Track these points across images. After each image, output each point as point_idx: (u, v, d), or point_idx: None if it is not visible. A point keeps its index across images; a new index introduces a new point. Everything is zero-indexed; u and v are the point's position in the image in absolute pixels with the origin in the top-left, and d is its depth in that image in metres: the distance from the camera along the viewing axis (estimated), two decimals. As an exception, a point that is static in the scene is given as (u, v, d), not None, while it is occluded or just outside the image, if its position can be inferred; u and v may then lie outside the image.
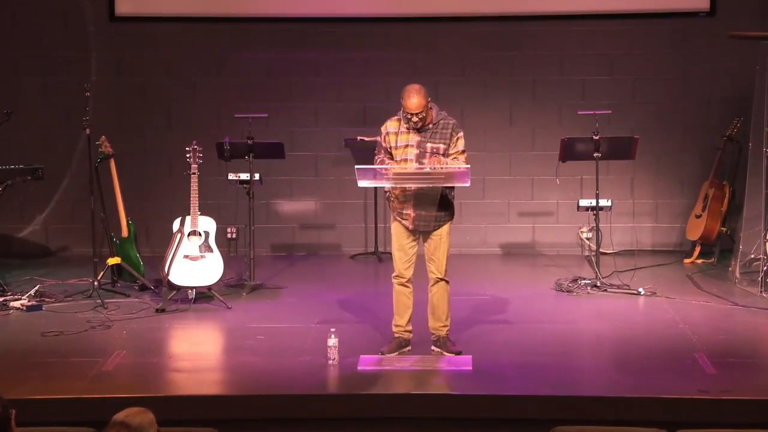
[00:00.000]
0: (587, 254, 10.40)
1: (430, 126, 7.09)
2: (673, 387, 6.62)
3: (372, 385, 6.76)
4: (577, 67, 10.65)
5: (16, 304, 8.59)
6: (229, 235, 9.83)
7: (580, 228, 10.45)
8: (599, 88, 10.60)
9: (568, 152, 9.29)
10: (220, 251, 8.78)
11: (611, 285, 9.09)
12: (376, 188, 10.39)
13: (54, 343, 7.63)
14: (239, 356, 7.45)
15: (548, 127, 10.53)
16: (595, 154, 9.13)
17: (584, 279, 9.25)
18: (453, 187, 7.19)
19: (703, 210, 10.18)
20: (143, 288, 9.09)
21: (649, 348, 7.53)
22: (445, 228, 7.19)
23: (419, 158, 7.06)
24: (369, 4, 10.73)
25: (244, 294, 9.08)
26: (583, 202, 9.44)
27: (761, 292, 8.81)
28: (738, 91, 10.14)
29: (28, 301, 8.65)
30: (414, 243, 7.22)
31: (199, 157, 8.83)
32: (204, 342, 8.13)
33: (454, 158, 7.09)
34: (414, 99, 6.97)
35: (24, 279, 9.43)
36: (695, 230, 10.25)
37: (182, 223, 8.72)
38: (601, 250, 9.46)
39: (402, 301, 7.25)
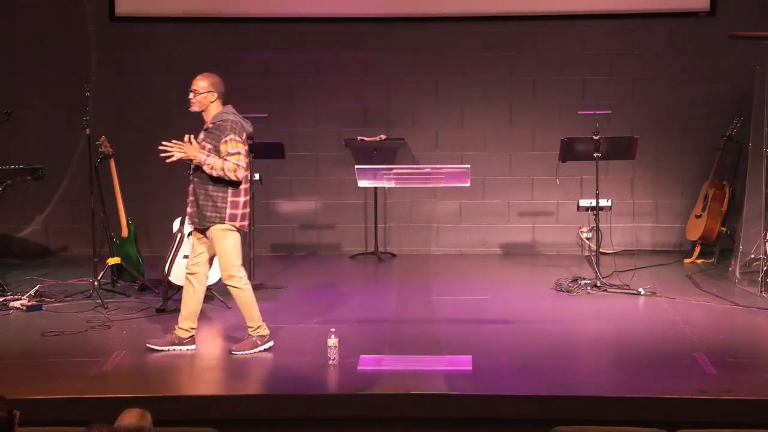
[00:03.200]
0: (587, 254, 10.40)
1: (210, 125, 7.19)
2: (673, 387, 6.63)
3: (372, 385, 6.76)
4: (577, 67, 10.65)
5: (16, 304, 8.60)
6: (229, 235, 9.82)
7: (580, 228, 10.45)
8: (599, 88, 10.60)
9: (568, 152, 9.29)
10: (220, 251, 8.77)
11: (611, 285, 9.09)
12: (376, 188, 10.40)
13: (54, 343, 7.64)
14: (239, 356, 7.46)
15: (548, 127, 10.54)
16: (595, 154, 9.14)
17: (584, 279, 9.26)
18: (227, 187, 7.14)
19: (703, 210, 10.19)
20: (143, 288, 9.10)
21: (649, 348, 7.53)
22: (215, 230, 7.16)
23: None
24: (369, 4, 10.74)
25: (244, 294, 9.07)
26: (583, 202, 9.44)
27: (761, 292, 8.81)
28: (738, 91, 10.14)
29: (28, 301, 8.66)
30: (200, 240, 7.30)
31: (199, 157, 8.83)
32: (203, 342, 8.12)
33: (225, 160, 7.10)
34: (199, 77, 7.20)
35: (24, 279, 9.44)
36: (695, 230, 10.25)
37: (182, 223, 8.73)
38: (601, 250, 9.47)
39: (185, 297, 7.38)
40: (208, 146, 7.15)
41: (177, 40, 10.73)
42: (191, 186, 7.24)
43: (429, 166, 7.05)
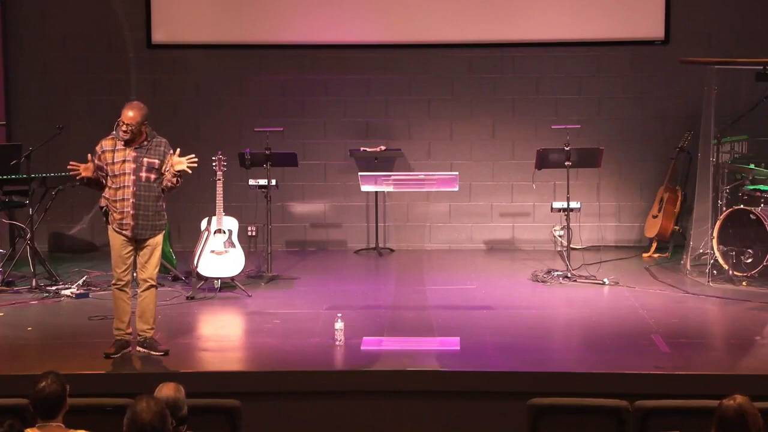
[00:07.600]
0: (559, 249, 10.37)
1: (145, 143, 6.87)
2: (633, 363, 6.65)
3: (373, 362, 6.78)
4: (551, 87, 10.64)
5: (67, 292, 8.63)
6: (249, 233, 9.83)
7: (553, 227, 10.40)
8: (570, 106, 10.59)
9: (543, 161, 9.30)
10: (241, 247, 8.79)
11: (580, 276, 9.10)
12: (376, 192, 10.40)
13: (99, 326, 7.66)
14: (258, 337, 7.47)
15: (526, 140, 10.52)
16: (566, 163, 9.15)
17: (557, 271, 9.26)
18: (161, 197, 6.97)
19: (659, 211, 10.19)
20: (176, 278, 9.10)
21: (613, 330, 7.54)
22: (160, 237, 6.99)
23: (136, 171, 6.85)
24: (370, 32, 10.71)
25: (263, 284, 9.09)
26: (556, 204, 9.43)
27: (708, 281, 8.83)
28: (689, 108, 10.14)
29: (77, 290, 8.67)
30: (132, 251, 6.93)
31: (224, 166, 8.85)
32: (228, 325, 8.14)
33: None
34: (130, 112, 6.80)
35: (73, 270, 9.44)
36: (652, 229, 10.26)
37: (209, 222, 8.74)
38: (571, 245, 9.47)
39: (121, 306, 6.96)
40: (158, 161, 6.89)
41: (205, 64, 10.72)
42: (131, 200, 6.82)
43: (423, 173, 7.08)
